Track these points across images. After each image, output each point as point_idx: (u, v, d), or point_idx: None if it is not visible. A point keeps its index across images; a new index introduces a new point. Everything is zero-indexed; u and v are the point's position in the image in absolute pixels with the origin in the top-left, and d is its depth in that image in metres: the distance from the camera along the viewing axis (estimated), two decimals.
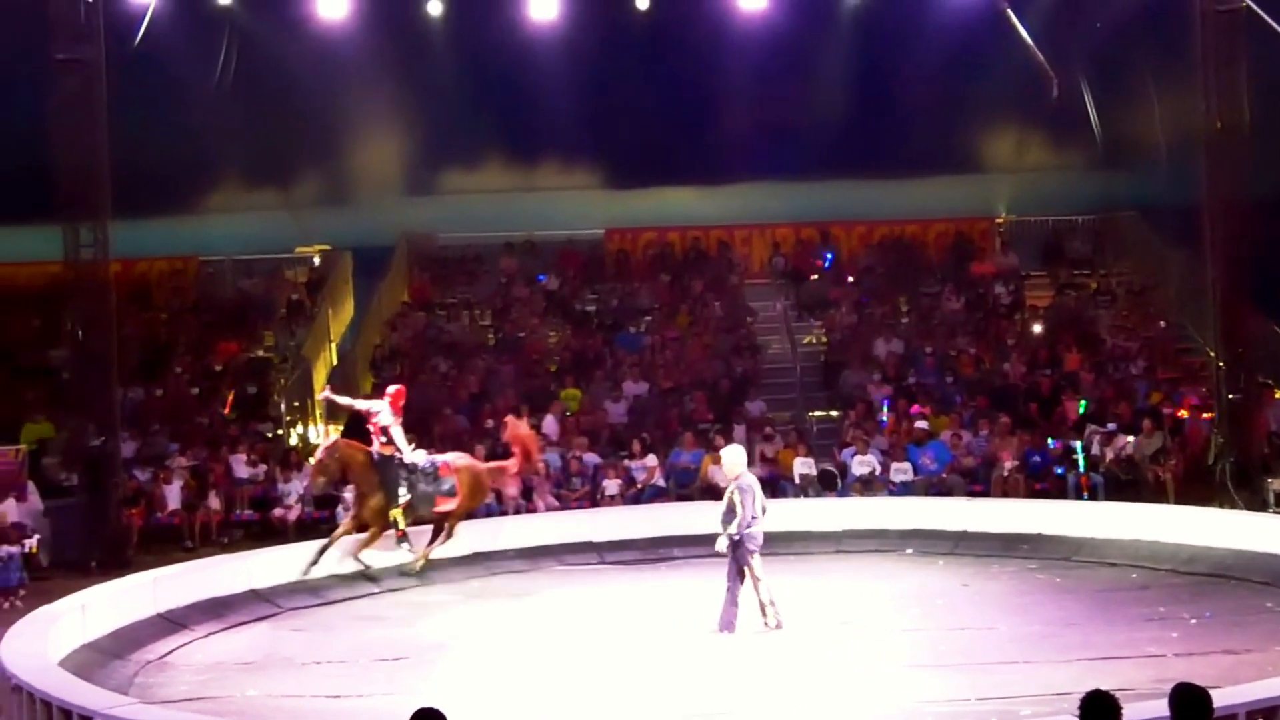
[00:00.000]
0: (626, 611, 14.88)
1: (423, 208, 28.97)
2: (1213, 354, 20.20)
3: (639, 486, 20.12)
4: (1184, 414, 21.01)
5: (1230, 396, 19.26)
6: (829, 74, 26.81)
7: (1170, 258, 25.09)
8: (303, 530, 19.55)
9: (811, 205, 28.33)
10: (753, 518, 13.21)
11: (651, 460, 20.37)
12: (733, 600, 13.33)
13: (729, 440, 20.75)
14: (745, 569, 13.30)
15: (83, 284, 19.12)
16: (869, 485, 19.82)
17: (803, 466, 20.26)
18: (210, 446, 21.33)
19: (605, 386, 23.15)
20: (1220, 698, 7.98)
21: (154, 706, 11.05)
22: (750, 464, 20.44)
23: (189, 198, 27.40)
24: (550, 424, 21.57)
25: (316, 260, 27.43)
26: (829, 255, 27.12)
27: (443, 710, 6.45)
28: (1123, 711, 6.36)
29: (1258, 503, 18.17)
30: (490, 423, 22.01)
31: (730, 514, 13.25)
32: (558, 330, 25.65)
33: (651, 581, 16.53)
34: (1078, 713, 6.36)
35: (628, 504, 19.74)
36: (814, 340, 25.29)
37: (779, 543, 17.93)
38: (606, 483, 20.11)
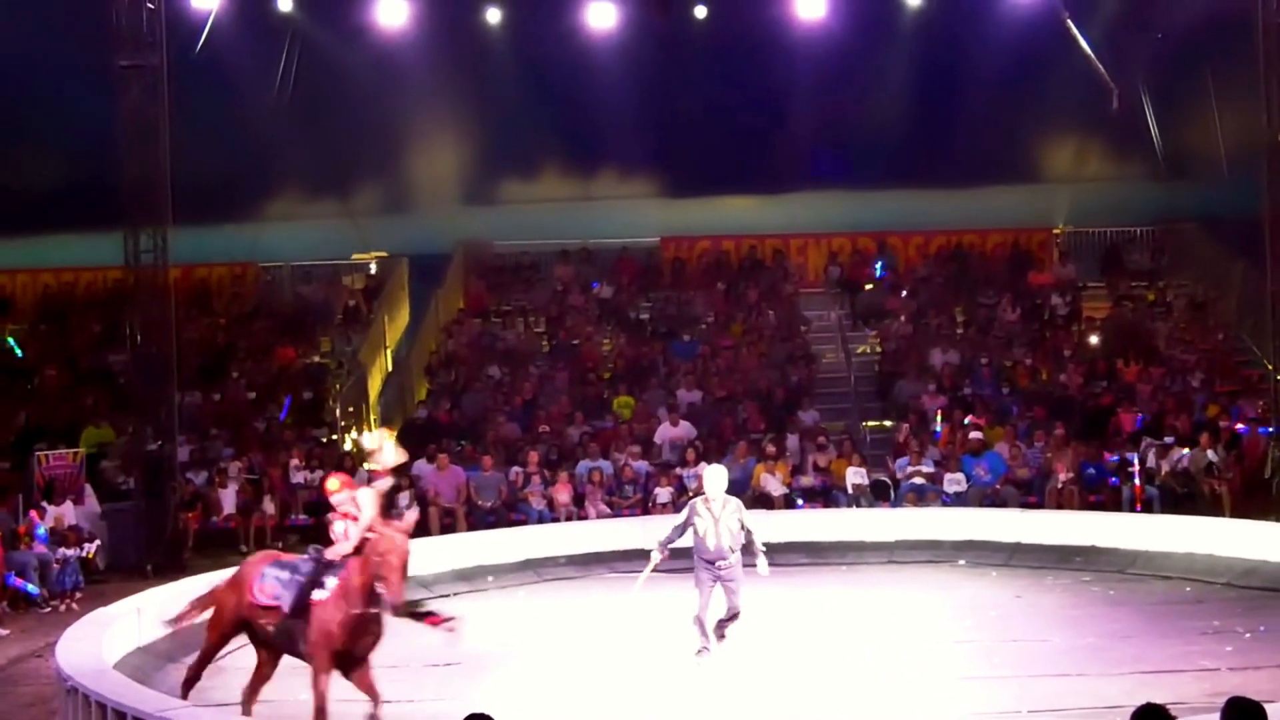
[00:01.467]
0: (677, 620, 14.86)
1: (480, 216, 29.14)
2: (1271, 367, 19.96)
3: (690, 494, 20.09)
4: (1242, 427, 20.76)
5: None
6: (887, 83, 26.76)
7: (1230, 270, 24.86)
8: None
9: (868, 215, 28.28)
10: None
11: (704, 468, 20.32)
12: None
13: (782, 450, 20.80)
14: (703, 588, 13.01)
15: (143, 289, 19.32)
16: (922, 496, 19.73)
17: (855, 476, 20.19)
18: (266, 451, 21.51)
19: (659, 395, 23.17)
20: (1275, 712, 7.89)
21: (208, 710, 11.11)
22: (803, 473, 20.63)
23: (249, 204, 27.67)
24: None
25: (373, 267, 27.65)
26: (880, 264, 27.02)
27: (494, 717, 6.48)
28: None
29: None
30: (545, 429, 22.13)
31: (743, 533, 13.02)
32: (612, 338, 25.71)
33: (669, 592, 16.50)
34: None
35: (679, 512, 19.71)
36: (869, 350, 25.22)
37: (831, 553, 17.98)
38: (658, 490, 20.12)
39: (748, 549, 12.98)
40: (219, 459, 21.15)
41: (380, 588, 10.21)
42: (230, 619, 10.82)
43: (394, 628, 14.60)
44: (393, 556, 10.20)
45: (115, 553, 18.77)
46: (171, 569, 17.78)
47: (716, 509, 12.96)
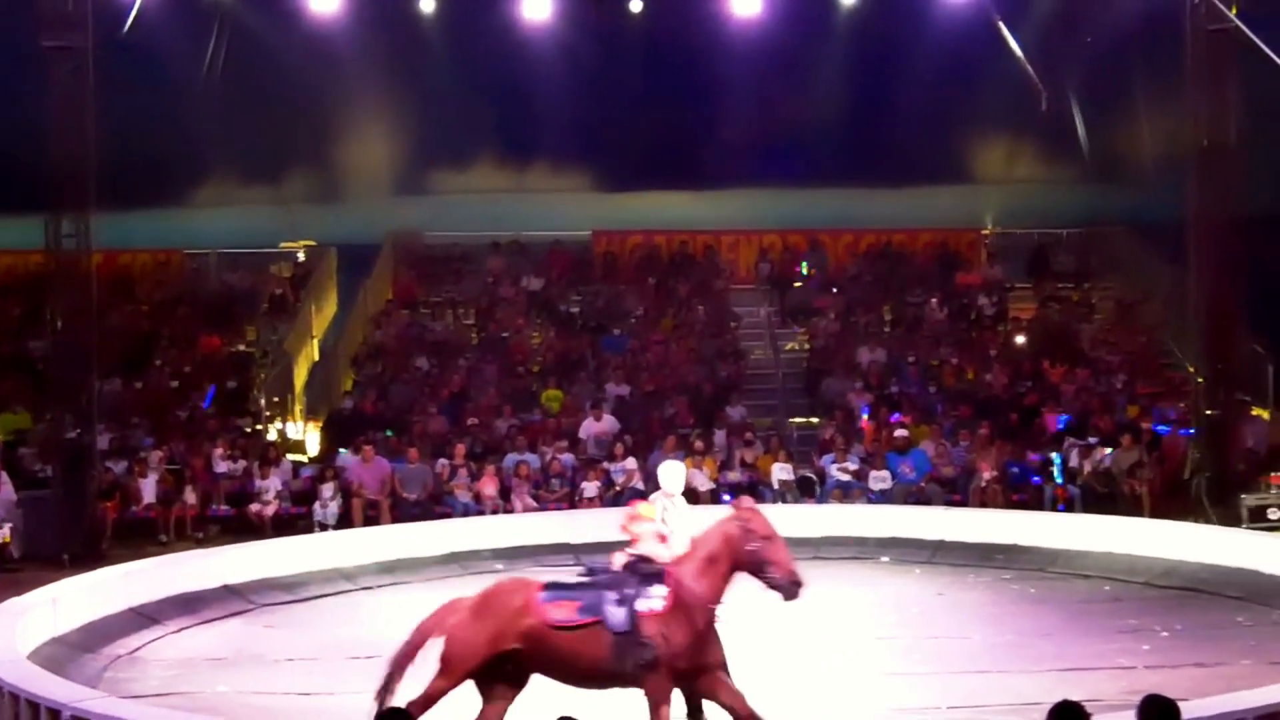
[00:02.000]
0: None
1: (411, 206, 28.96)
2: (1193, 370, 20.22)
3: (618, 489, 20.08)
4: (1163, 429, 21.02)
5: (1209, 412, 19.32)
6: (821, 82, 26.88)
7: (1156, 273, 25.14)
8: (279, 526, 19.48)
9: (800, 212, 28.36)
10: None
11: (631, 463, 20.34)
12: None
13: (709, 445, 20.82)
14: None
15: (64, 275, 19.02)
16: (848, 493, 19.81)
17: (782, 472, 20.25)
18: (188, 440, 21.25)
19: (588, 389, 23.13)
20: (1189, 710, 7.97)
21: (123, 701, 10.97)
22: (730, 469, 20.66)
23: (175, 190, 27.35)
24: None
25: (302, 256, 27.38)
26: (805, 263, 27.06)
27: (410, 713, 6.43)
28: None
29: (1232, 518, 18.18)
30: (472, 421, 22.02)
31: None
32: (541, 331, 25.63)
33: None
34: None
35: (606, 506, 19.70)
36: (797, 347, 25.29)
37: None
38: (585, 485, 20.07)
39: None
40: (139, 448, 20.87)
41: (770, 571, 9.33)
42: (484, 653, 9.37)
43: (307, 623, 14.45)
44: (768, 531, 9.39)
45: (31, 541, 18.47)
46: (89, 559, 17.53)
47: (672, 505, 12.91)
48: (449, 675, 9.44)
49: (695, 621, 9.36)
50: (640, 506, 10.37)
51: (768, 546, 9.40)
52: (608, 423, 21.64)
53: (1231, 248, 19.23)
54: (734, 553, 9.45)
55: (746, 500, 10.04)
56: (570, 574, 9.85)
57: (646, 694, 9.38)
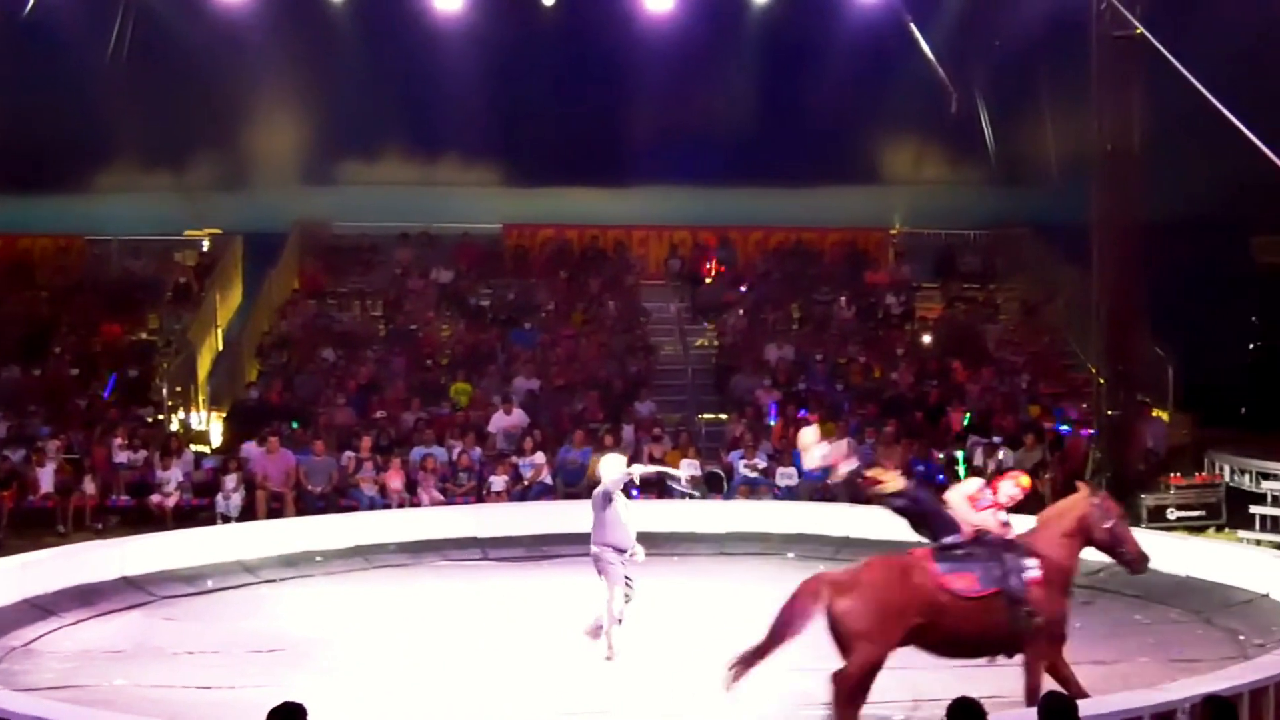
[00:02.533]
0: (507, 608, 14.80)
1: (319, 197, 28.65)
2: (1094, 370, 20.52)
3: (526, 483, 20.02)
4: (1065, 429, 21.32)
5: (1110, 413, 19.60)
6: (733, 80, 26.98)
7: (1060, 275, 25.48)
8: (180, 518, 19.21)
9: (710, 210, 28.44)
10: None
11: (540, 457, 20.28)
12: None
13: (618, 440, 20.80)
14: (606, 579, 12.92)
15: None
16: (754, 489, 19.89)
17: (689, 468, 20.28)
18: (88, 429, 20.87)
19: (496, 382, 23.03)
20: (1087, 708, 8.08)
21: (18, 694, 10.75)
22: (639, 463, 20.62)
23: (78, 175, 26.82)
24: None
25: (206, 244, 27.01)
26: (714, 262, 27.14)
27: (305, 705, 6.35)
28: (988, 718, 6.42)
29: (1132, 518, 18.36)
30: (380, 414, 21.84)
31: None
32: (451, 324, 25.47)
33: (534, 579, 16.44)
34: (946, 718, 6.41)
35: (514, 500, 19.65)
36: (706, 343, 25.36)
37: (663, 543, 17.98)
38: (493, 479, 19.99)
39: None
40: (37, 436, 20.46)
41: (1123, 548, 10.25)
42: (903, 624, 9.84)
43: (208, 616, 14.28)
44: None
45: None
46: None
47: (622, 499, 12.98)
48: (877, 645, 9.79)
49: (1064, 590, 10.11)
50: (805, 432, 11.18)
51: (1120, 526, 10.34)
52: (517, 416, 21.56)
53: (1133, 251, 19.50)
54: (1089, 530, 10.26)
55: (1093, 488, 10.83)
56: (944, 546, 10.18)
57: (1028, 660, 9.99)
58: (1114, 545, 10.33)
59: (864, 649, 9.77)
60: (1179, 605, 14.74)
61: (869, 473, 10.96)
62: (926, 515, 10.44)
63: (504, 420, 21.45)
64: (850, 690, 9.77)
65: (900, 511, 10.65)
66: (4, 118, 18.64)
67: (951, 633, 9.93)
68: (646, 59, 25.32)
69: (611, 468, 13.20)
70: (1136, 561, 10.38)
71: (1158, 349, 21.76)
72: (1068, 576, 10.19)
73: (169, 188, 27.92)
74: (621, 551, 12.85)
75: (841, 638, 9.86)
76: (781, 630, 10.02)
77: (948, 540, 10.28)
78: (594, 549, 12.81)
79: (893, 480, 10.67)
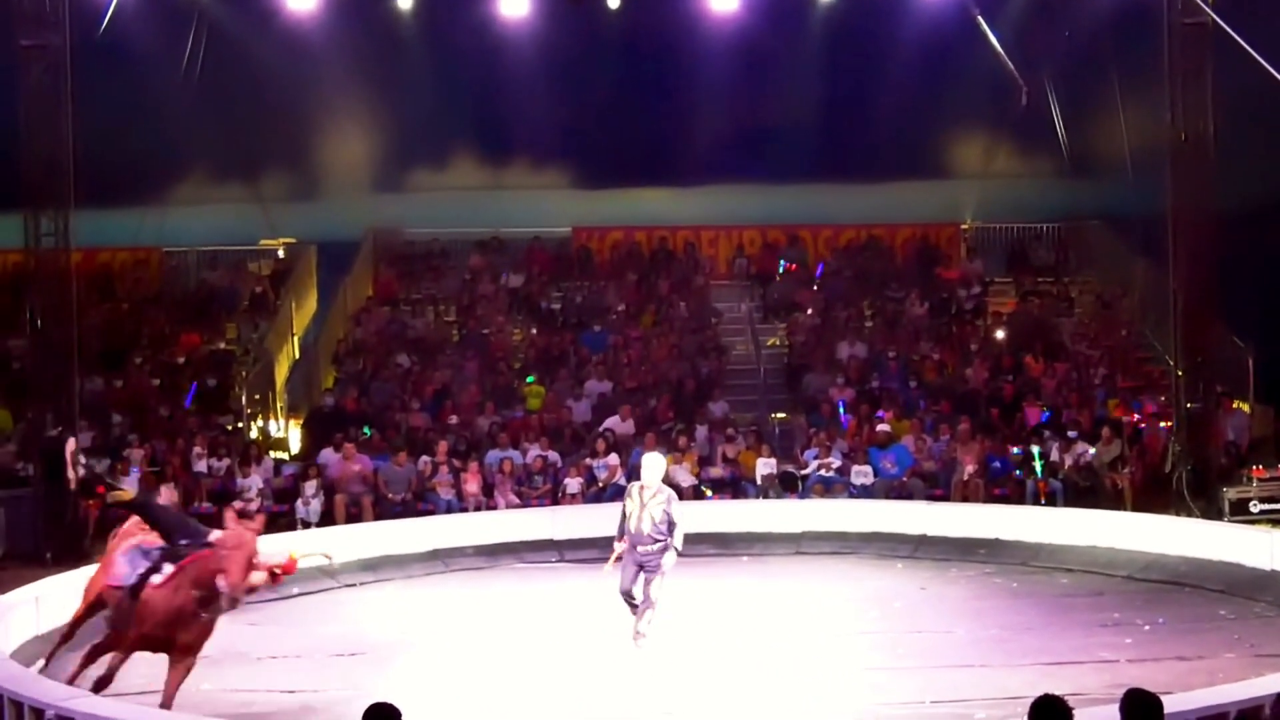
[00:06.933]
0: (585, 610, 14.85)
1: (390, 204, 28.88)
2: (1172, 363, 20.31)
3: (600, 485, 20.10)
4: (1143, 423, 21.11)
5: (1189, 405, 19.36)
6: (799, 78, 26.89)
7: (1134, 267, 25.24)
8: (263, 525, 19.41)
9: (779, 208, 28.39)
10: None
11: (613, 459, 20.35)
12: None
13: (692, 440, 20.84)
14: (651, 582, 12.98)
15: (43, 273, 18.94)
16: (829, 488, 19.85)
17: (764, 468, 20.28)
18: (169, 438, 21.19)
19: (569, 385, 23.13)
20: (1171, 704, 8.02)
21: (107, 700, 10.93)
22: (712, 464, 20.70)
23: (154, 188, 27.14)
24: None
25: (281, 253, 27.33)
26: (783, 264, 27.13)
27: (398, 707, 6.43)
28: (1074, 715, 6.38)
29: (1213, 511, 18.27)
30: (453, 419, 22.00)
31: (665, 524, 13.01)
32: (522, 328, 25.62)
33: (611, 580, 16.47)
34: (1029, 717, 6.39)
35: (589, 502, 19.72)
36: (778, 342, 25.33)
37: (738, 544, 18.06)
38: (568, 481, 20.08)
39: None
40: (121, 446, 20.80)
41: (220, 580, 10.55)
42: (91, 598, 11.42)
43: (290, 621, 14.47)
44: (239, 552, 10.60)
45: (13, 540, 18.42)
46: (71, 557, 17.46)
47: (646, 495, 13.04)
48: (79, 609, 11.78)
49: (178, 601, 10.82)
50: None
51: (227, 559, 10.66)
52: (630, 424, 21.42)
53: (1208, 242, 19.29)
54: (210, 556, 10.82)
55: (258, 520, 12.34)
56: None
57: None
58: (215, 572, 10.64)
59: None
60: (1264, 599, 14.57)
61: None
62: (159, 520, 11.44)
63: (620, 426, 21.37)
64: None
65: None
66: (81, 136, 18.93)
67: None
68: (712, 58, 25.30)
69: (653, 467, 13.31)
70: (226, 592, 10.64)
71: (1236, 340, 21.50)
72: (186, 588, 10.70)
73: (243, 199, 28.27)
74: (633, 546, 12.95)
75: None
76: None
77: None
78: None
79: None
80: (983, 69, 25.19)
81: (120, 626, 10.95)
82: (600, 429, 21.25)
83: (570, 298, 26.42)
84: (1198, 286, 19.44)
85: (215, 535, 10.94)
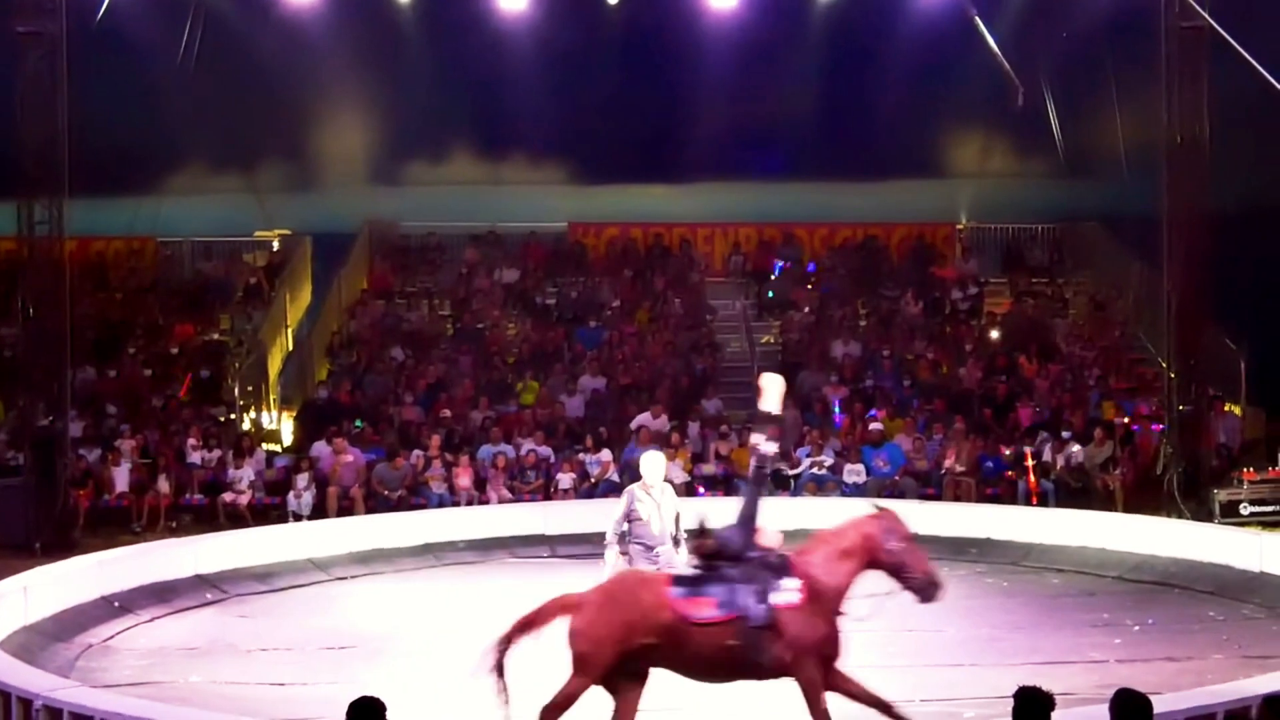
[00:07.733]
0: None
1: (387, 197, 28.89)
2: (1165, 365, 20.34)
3: (593, 481, 20.10)
4: (1135, 424, 21.14)
5: (1181, 407, 19.40)
6: (797, 76, 26.90)
7: (1129, 268, 25.25)
8: (253, 516, 19.44)
9: (775, 206, 28.40)
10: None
11: (606, 455, 20.35)
12: None
13: (684, 438, 20.82)
14: None
15: (36, 261, 18.93)
16: (822, 486, 19.85)
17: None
18: (162, 429, 21.16)
19: (563, 380, 23.12)
20: (1160, 704, 8.02)
21: (96, 690, 10.94)
22: (704, 461, 20.68)
23: (149, 178, 27.13)
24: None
25: (276, 245, 27.30)
26: (778, 264, 27.11)
27: (383, 700, 6.43)
28: (1055, 705, 6.42)
29: (1204, 513, 18.31)
30: (446, 413, 21.99)
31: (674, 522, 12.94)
32: (517, 323, 25.60)
33: (602, 576, 16.46)
34: (1013, 707, 6.43)
35: (581, 498, 19.71)
36: (772, 340, 25.32)
37: None
38: (560, 476, 20.08)
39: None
40: (112, 436, 20.77)
41: (909, 572, 9.34)
42: (618, 650, 9.24)
43: (281, 613, 14.44)
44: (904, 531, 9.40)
45: (3, 529, 18.35)
46: (61, 547, 17.49)
47: (656, 495, 12.89)
48: (585, 674, 9.28)
49: (829, 613, 9.31)
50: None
51: (908, 549, 9.39)
52: (662, 421, 21.32)
53: (1202, 244, 19.32)
54: (872, 551, 9.39)
55: (885, 505, 9.97)
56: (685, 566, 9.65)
57: (801, 685, 9.33)
58: (897, 570, 9.37)
59: (575, 674, 9.38)
60: (1252, 601, 14.58)
61: None
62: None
63: (651, 422, 21.33)
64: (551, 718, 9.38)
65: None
66: (77, 124, 18.90)
67: (687, 657, 9.34)
68: (710, 56, 25.30)
69: (654, 465, 13.19)
70: (925, 588, 9.39)
71: (1229, 342, 21.52)
72: (837, 597, 9.36)
73: (239, 189, 28.27)
74: (650, 549, 12.87)
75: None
76: (518, 631, 9.78)
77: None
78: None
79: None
80: (979, 69, 25.17)
81: (743, 663, 9.39)
82: (633, 425, 21.17)
83: (565, 293, 26.41)
84: (1191, 289, 19.48)
85: None
